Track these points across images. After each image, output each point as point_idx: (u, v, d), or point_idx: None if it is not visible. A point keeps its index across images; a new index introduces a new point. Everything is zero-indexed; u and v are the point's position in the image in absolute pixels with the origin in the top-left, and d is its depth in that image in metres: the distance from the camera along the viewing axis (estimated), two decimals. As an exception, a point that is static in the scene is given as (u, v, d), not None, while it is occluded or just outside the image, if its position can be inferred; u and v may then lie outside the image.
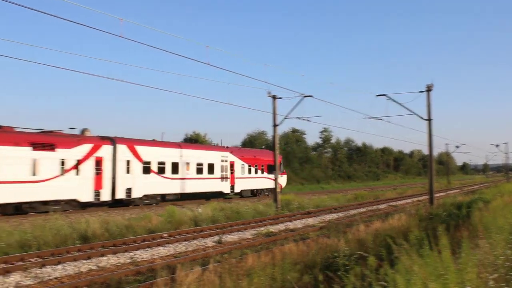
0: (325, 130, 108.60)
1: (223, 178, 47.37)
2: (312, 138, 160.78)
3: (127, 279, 14.21)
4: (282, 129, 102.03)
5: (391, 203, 43.68)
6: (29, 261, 16.43)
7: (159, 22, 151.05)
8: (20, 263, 16.08)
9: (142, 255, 18.30)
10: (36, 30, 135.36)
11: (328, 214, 34.00)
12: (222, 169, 47.43)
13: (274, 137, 38.07)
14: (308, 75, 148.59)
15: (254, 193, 52.91)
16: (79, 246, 19.06)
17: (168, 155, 41.22)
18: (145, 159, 38.96)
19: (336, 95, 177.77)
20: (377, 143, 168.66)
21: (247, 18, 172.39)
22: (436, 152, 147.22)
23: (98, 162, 35.19)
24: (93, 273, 15.26)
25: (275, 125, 37.24)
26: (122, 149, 37.26)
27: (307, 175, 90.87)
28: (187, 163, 42.95)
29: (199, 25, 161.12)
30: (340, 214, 33.76)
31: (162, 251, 19.21)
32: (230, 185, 48.43)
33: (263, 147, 61.59)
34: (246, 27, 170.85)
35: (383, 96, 35.77)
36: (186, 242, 21.13)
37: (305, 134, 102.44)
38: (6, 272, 14.89)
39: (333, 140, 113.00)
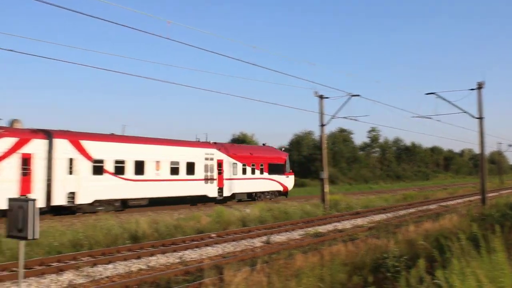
0: (373, 130, 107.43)
1: (207, 179, 40.20)
2: (359, 137, 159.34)
3: (176, 279, 14.34)
4: (329, 128, 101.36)
5: (441, 203, 42.84)
6: (81, 260, 16.77)
7: (204, 23, 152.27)
8: (73, 262, 16.42)
9: (191, 255, 18.43)
10: (81, 33, 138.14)
11: (377, 214, 33.60)
12: (207, 168, 40.25)
13: (321, 137, 37.85)
14: (356, 74, 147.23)
15: (252, 196, 45.23)
16: (129, 246, 19.34)
17: (130, 152, 34.33)
18: (96, 156, 32.10)
19: (384, 94, 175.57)
20: (426, 142, 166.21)
21: (293, 18, 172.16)
22: (487, 151, 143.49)
23: (26, 161, 28.63)
24: (143, 273, 15.46)
25: (322, 125, 37.04)
26: (62, 144, 30.31)
27: (355, 175, 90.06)
28: (157, 162, 36.04)
29: (245, 26, 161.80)
30: (389, 215, 33.33)
31: (211, 251, 19.30)
32: (217, 187, 41.22)
33: (265, 143, 53.80)
34: (292, 27, 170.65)
35: (432, 94, 35.24)
36: (234, 242, 21.19)
37: (352, 133, 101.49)
38: (60, 270, 15.24)
39: (381, 140, 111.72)
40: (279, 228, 25.79)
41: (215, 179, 40.97)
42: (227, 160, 42.40)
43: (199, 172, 39.50)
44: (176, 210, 34.74)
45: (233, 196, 43.07)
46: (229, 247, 20.12)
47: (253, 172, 45.15)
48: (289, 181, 49.65)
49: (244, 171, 44.15)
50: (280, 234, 23.82)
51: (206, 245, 20.40)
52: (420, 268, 8.09)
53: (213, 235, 22.66)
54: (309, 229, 25.73)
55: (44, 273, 14.91)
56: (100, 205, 31.98)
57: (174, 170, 37.36)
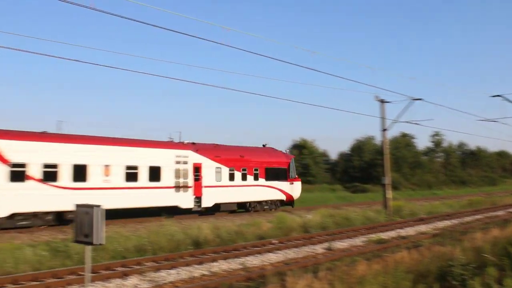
0: (436, 134, 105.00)
1: (179, 187, 33.70)
2: (422, 142, 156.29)
3: (238, 285, 14.37)
4: (391, 133, 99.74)
5: (510, 210, 41.47)
6: (145, 265, 17.06)
7: (263, 29, 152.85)
8: (137, 267, 16.74)
9: (253, 261, 18.44)
10: (142, 42, 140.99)
11: (441, 221, 32.82)
12: (178, 174, 33.76)
13: (383, 142, 37.37)
14: (418, 78, 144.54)
15: (246, 207, 39.11)
16: (192, 252, 19.56)
17: (66, 154, 28.08)
18: (14, 159, 26.23)
19: (448, 97, 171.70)
20: (493, 146, 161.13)
21: (352, 22, 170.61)
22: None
23: None
24: (206, 278, 15.57)
25: (383, 130, 36.58)
26: None
27: (418, 180, 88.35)
28: (106, 166, 29.77)
29: (304, 31, 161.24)
30: (454, 221, 32.49)
31: (272, 257, 19.27)
32: (193, 197, 34.60)
33: (265, 144, 44.63)
34: (352, 31, 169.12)
35: (498, 97, 34.33)
36: (296, 249, 21.09)
37: (415, 138, 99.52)
38: (124, 275, 15.56)
39: (445, 144, 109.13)
40: (341, 234, 25.55)
41: (190, 187, 34.52)
42: (208, 164, 36.03)
43: (167, 178, 33.19)
44: (237, 216, 34.70)
45: (218, 207, 36.79)
46: (290, 254, 20.04)
47: (244, 177, 38.65)
48: (294, 188, 42.74)
49: (231, 177, 37.69)
50: (342, 241, 23.59)
51: (268, 251, 20.38)
52: (489, 276, 7.84)
53: (274, 241, 22.63)
54: (372, 235, 25.37)
55: (110, 277, 15.26)
56: (23, 218, 26.40)
57: (131, 176, 31.07)
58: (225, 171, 37.13)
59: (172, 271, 16.28)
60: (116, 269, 16.41)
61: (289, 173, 42.44)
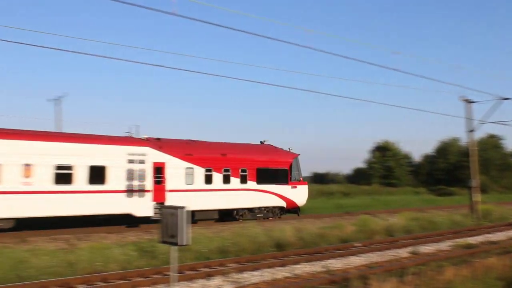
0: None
1: (132, 191, 27.60)
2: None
3: (321, 288, 14.30)
4: (477, 134, 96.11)
5: None
6: (228, 266, 17.26)
7: (345, 30, 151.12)
8: (220, 268, 16.98)
9: (336, 264, 18.31)
10: (224, 46, 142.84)
11: (535, 226, 31.45)
12: (131, 175, 27.64)
13: (469, 143, 36.20)
14: (507, 76, 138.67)
15: (232, 215, 32.33)
16: (274, 254, 19.66)
17: None
18: None
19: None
20: None
21: (435, 19, 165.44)
22: None
23: None
24: (289, 280, 15.58)
25: (470, 131, 35.46)
26: None
27: (507, 183, 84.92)
28: (27, 166, 24.18)
29: (385, 31, 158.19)
30: (550, 226, 31.05)
31: (355, 260, 19.06)
32: (153, 203, 28.31)
33: (264, 140, 37.21)
34: (435, 29, 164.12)
35: None
36: (379, 252, 20.80)
37: (503, 139, 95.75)
38: (208, 275, 15.83)
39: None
40: (426, 238, 24.97)
41: (149, 191, 28.35)
42: (174, 164, 29.60)
43: (116, 180, 27.17)
44: (319, 218, 34.42)
45: (192, 215, 28.66)
46: (374, 257, 19.78)
47: (226, 180, 31.88)
48: (297, 193, 35.63)
49: (208, 179, 31.02)
50: (427, 245, 23.03)
51: (350, 254, 20.19)
52: None
53: (357, 244, 22.38)
54: (459, 240, 24.63)
55: (194, 278, 15.57)
56: None
57: (63, 178, 25.37)
58: (199, 172, 30.71)
59: (255, 273, 16.40)
60: (200, 269, 16.74)
61: (290, 175, 35.59)
